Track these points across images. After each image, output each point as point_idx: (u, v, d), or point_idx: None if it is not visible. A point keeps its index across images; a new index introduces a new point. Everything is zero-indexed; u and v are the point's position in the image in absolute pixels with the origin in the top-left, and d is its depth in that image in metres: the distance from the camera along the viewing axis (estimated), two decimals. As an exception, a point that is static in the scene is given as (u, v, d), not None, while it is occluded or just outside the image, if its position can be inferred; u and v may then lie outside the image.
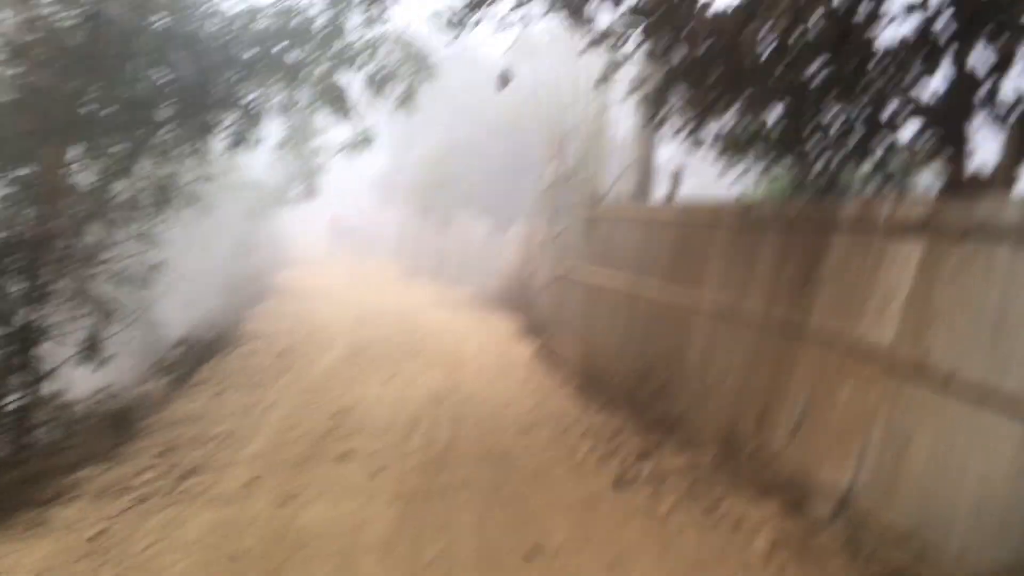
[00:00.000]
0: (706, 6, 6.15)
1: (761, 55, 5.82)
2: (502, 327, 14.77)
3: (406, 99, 12.23)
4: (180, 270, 26.23)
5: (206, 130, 9.45)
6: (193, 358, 11.05)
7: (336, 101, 11.36)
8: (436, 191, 27.33)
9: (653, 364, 8.40)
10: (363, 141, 14.09)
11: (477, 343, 12.96)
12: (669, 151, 11.63)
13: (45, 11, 6.62)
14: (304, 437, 6.84)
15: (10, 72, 6.29)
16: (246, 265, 23.63)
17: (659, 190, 11.89)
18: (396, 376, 9.99)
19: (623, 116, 18.51)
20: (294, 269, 28.77)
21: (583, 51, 7.19)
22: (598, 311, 10.34)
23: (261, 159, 24.68)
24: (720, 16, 6.02)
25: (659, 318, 8.46)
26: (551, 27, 23.09)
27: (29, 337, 7.03)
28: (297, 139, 16.21)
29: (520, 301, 16.46)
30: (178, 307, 24.65)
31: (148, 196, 8.74)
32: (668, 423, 7.57)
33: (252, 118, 10.03)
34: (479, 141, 27.04)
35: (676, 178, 9.12)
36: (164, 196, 8.64)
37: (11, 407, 6.63)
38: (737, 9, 5.88)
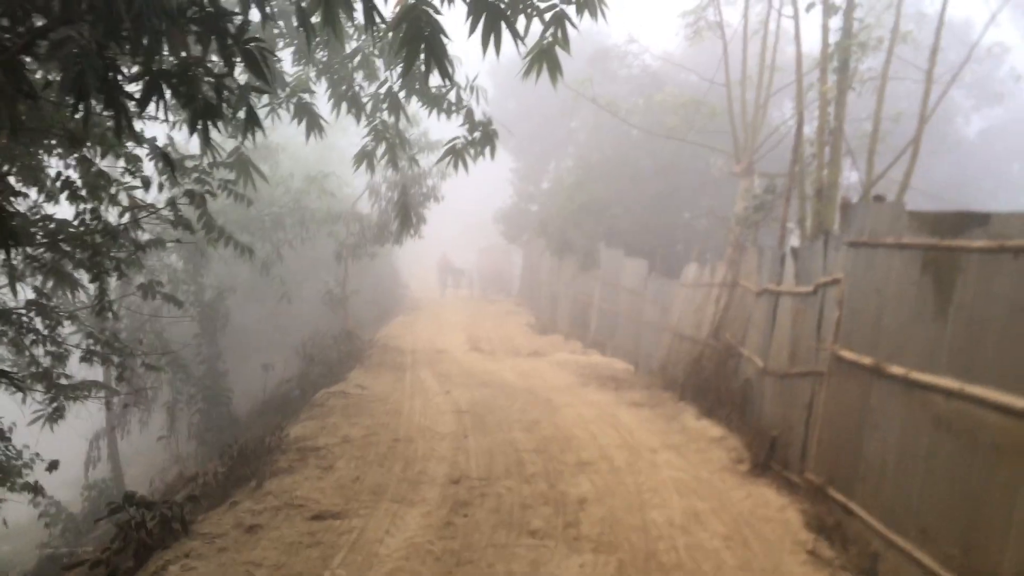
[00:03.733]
0: None
1: None
2: (702, 444, 8.87)
3: (543, 54, 6.56)
4: (251, 332, 21.78)
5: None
6: (147, 538, 5.75)
7: (425, 52, 5.90)
8: (574, 224, 21.80)
9: None
10: (481, 140, 8.83)
11: (676, 489, 7.14)
12: None
13: None
14: None
15: None
16: (335, 321, 18.74)
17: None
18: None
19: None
20: (398, 322, 23.78)
21: None
22: (999, 478, 4.44)
23: (358, 181, 19.87)
24: None
25: None
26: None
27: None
28: (387, 140, 10.93)
29: (717, 392, 10.54)
30: (248, 380, 20.09)
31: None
32: None
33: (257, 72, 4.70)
34: (630, 158, 21.36)
35: None
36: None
37: None
38: None
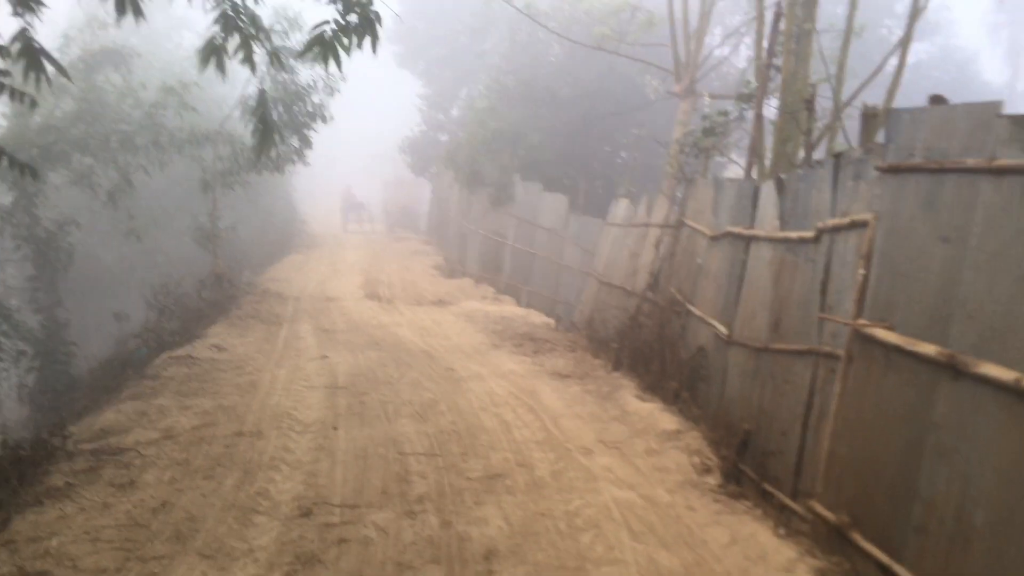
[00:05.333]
0: None
1: None
2: (652, 441, 6.69)
3: None
4: (110, 275, 18.63)
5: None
6: None
7: None
8: (486, 154, 19.27)
9: None
10: (359, 26, 6.29)
11: (626, 523, 4.94)
12: None
13: None
14: None
15: None
16: (208, 263, 15.83)
17: None
18: None
19: None
20: (288, 262, 20.97)
21: None
22: None
23: (234, 92, 16.67)
24: None
25: None
26: None
27: None
28: (240, 30, 8.04)
29: (662, 360, 8.40)
30: (99, 332, 17.10)
31: None
32: None
33: None
34: (550, 82, 18.87)
35: None
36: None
37: None
38: None
